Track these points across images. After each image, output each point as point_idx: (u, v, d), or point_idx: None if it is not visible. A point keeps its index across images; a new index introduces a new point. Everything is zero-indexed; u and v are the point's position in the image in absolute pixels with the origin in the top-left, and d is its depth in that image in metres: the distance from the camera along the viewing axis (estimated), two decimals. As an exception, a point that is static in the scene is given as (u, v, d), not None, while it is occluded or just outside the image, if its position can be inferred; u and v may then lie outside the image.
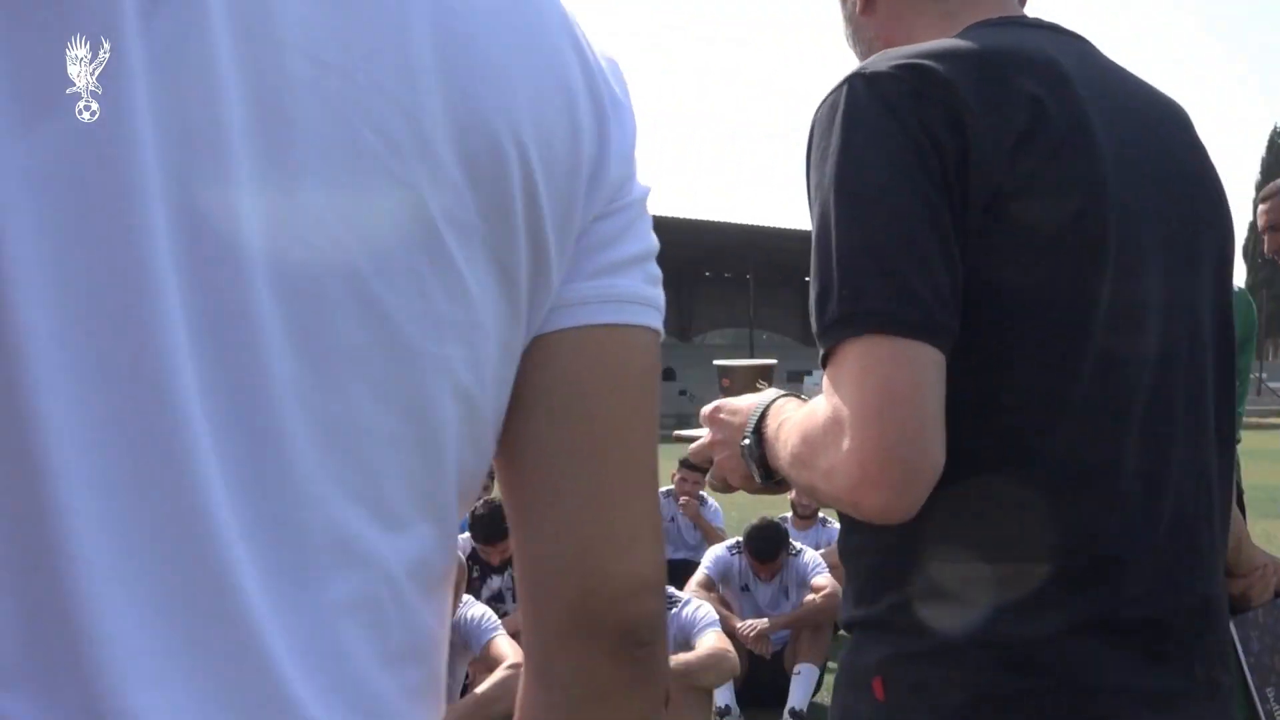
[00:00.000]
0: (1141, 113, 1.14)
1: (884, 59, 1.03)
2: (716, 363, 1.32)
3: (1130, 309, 1.05)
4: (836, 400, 0.97)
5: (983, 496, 1.01)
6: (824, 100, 1.05)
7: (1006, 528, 1.01)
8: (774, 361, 1.32)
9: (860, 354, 0.96)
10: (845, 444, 0.95)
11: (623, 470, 0.71)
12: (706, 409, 1.21)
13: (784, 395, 1.15)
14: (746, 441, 1.12)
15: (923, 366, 0.96)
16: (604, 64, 0.74)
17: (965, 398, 0.99)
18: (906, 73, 1.01)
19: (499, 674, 3.48)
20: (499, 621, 3.76)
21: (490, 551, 5.24)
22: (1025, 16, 1.16)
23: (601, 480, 0.70)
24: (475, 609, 3.73)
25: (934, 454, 0.96)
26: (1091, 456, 1.02)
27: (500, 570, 5.39)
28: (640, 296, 0.73)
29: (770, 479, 1.10)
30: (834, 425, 0.97)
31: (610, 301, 0.71)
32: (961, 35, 1.09)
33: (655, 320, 0.74)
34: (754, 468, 1.12)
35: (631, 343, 0.72)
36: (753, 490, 1.15)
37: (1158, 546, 1.05)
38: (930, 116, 0.99)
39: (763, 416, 1.12)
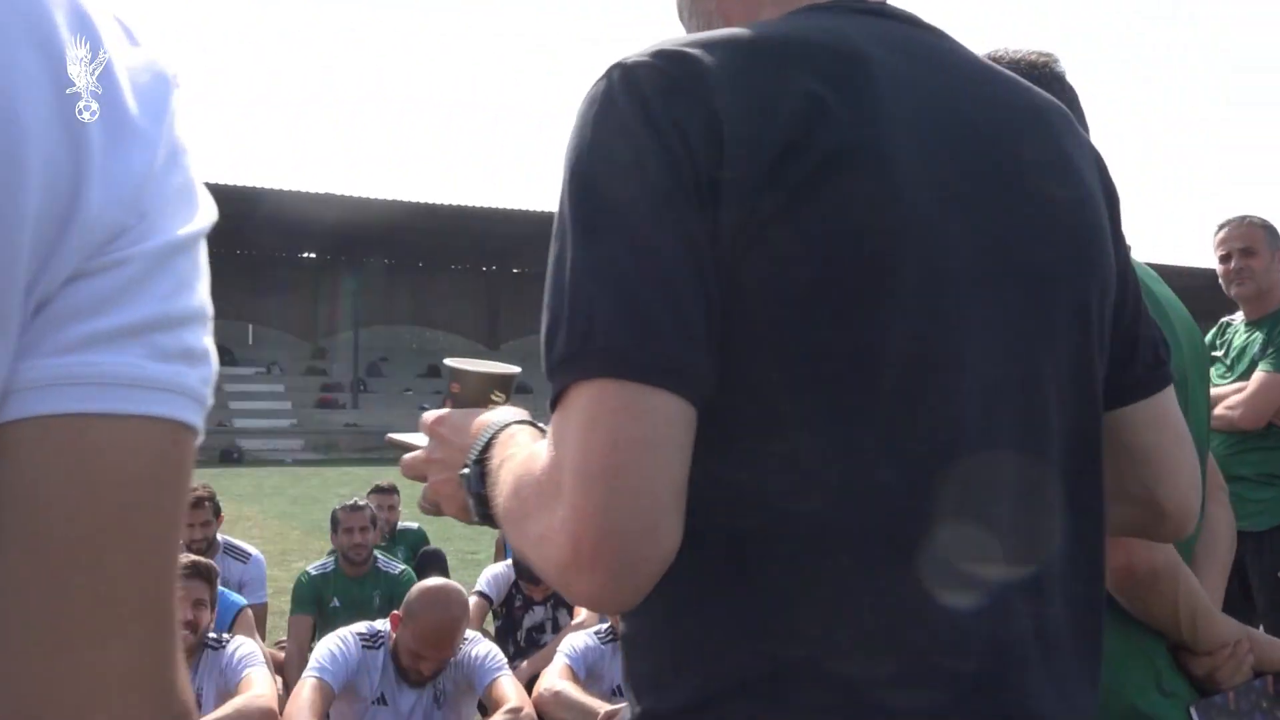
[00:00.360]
0: (992, 123, 0.94)
1: (652, 45, 0.87)
2: (446, 362, 1.11)
3: (932, 361, 0.84)
4: (558, 455, 0.79)
5: (733, 591, 0.83)
6: (586, 93, 0.88)
7: (769, 634, 0.82)
8: (515, 370, 1.11)
9: (589, 401, 0.78)
10: (559, 511, 0.77)
11: (93, 606, 0.54)
12: (429, 416, 1.03)
13: (520, 421, 0.96)
14: (466, 471, 0.94)
15: (663, 421, 0.77)
16: (124, 73, 0.58)
17: (711, 467, 0.81)
18: (668, 64, 0.83)
19: (496, 718, 3.35)
20: (504, 661, 3.62)
21: (533, 589, 5.13)
22: (869, 3, 0.97)
23: (59, 619, 0.54)
24: (480, 647, 3.59)
25: (665, 534, 0.77)
26: (876, 547, 0.82)
27: (543, 603, 5.28)
28: (140, 378, 0.56)
29: (490, 521, 0.92)
30: (550, 485, 0.79)
31: (81, 384, 0.55)
32: (769, 21, 0.92)
33: (169, 408, 0.57)
34: (472, 503, 0.94)
35: (120, 439, 0.55)
36: (470, 523, 0.97)
37: (969, 657, 0.84)
38: (686, 117, 0.81)
39: (489, 444, 0.93)
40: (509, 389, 1.08)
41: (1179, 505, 1.09)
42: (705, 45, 0.85)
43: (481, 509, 0.92)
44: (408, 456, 1.05)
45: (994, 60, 1.58)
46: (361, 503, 5.62)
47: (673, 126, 0.81)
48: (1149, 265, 1.68)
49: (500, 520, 0.88)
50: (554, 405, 0.81)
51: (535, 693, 3.55)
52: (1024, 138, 0.95)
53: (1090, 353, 0.97)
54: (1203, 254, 3.97)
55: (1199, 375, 1.62)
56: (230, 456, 26.44)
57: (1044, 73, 1.57)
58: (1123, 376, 1.05)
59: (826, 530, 0.82)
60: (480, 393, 1.07)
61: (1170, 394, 1.09)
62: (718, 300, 0.81)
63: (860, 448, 0.82)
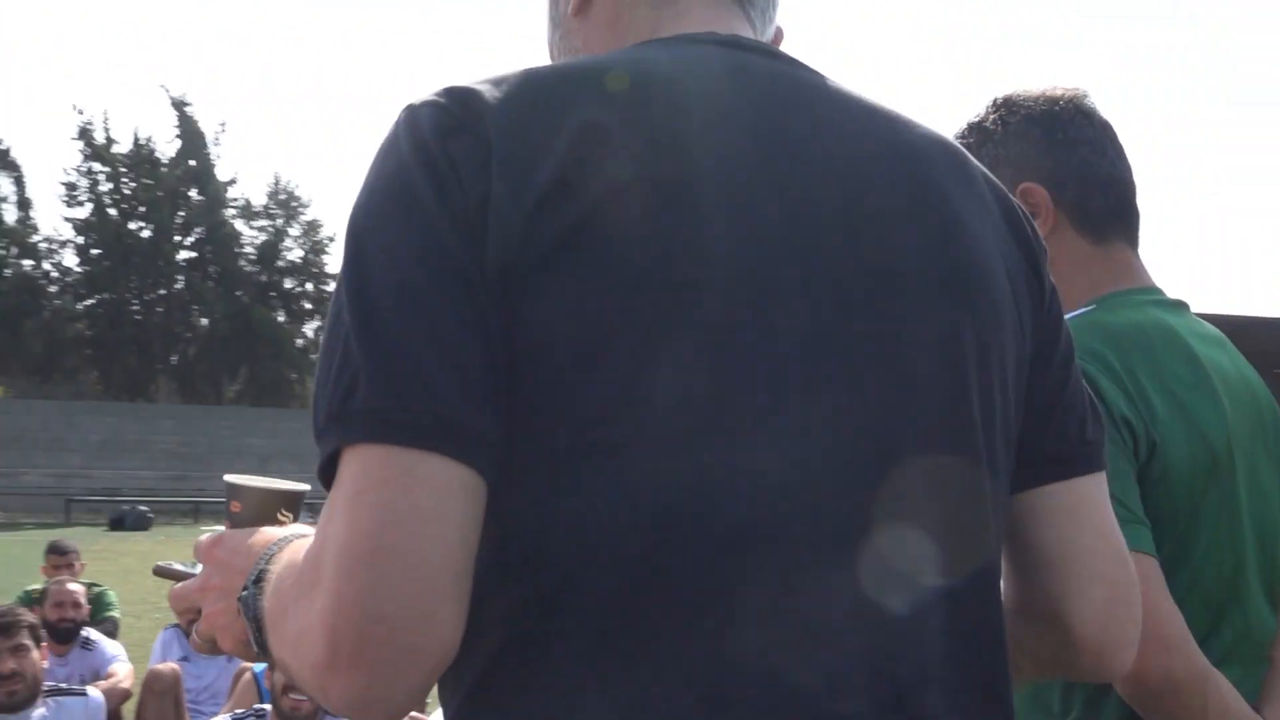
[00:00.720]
0: (845, 161, 0.82)
1: (443, 85, 0.80)
2: (227, 478, 0.99)
3: (734, 427, 0.73)
4: (322, 537, 0.70)
5: (511, 699, 0.73)
6: None
7: None
8: (304, 487, 0.99)
9: (355, 471, 0.69)
10: (318, 601, 0.68)
11: None
12: (204, 539, 0.91)
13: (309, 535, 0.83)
14: (245, 593, 0.81)
15: (438, 491, 0.68)
16: None
17: (486, 547, 0.71)
18: (451, 102, 0.77)
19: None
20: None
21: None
22: (720, 34, 0.88)
23: None
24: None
25: (442, 624, 0.67)
26: (671, 655, 0.71)
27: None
28: None
29: (267, 651, 0.79)
30: (310, 573, 0.70)
31: None
32: (589, 55, 0.86)
33: None
34: (251, 630, 0.80)
35: None
36: (252, 658, 0.84)
37: None
38: (462, 155, 0.74)
39: (273, 560, 0.81)
40: (297, 507, 0.97)
41: (1092, 627, 0.90)
42: (495, 81, 0.79)
43: (260, 634, 0.79)
44: (178, 586, 0.92)
45: (1009, 102, 1.45)
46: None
47: (449, 166, 0.74)
48: (1203, 315, 1.48)
49: (266, 631, 0.78)
50: (322, 476, 0.73)
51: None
52: (884, 178, 0.83)
53: (969, 416, 0.82)
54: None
55: (1264, 454, 1.40)
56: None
57: (1066, 108, 1.43)
58: (1030, 451, 0.89)
59: (606, 634, 0.71)
60: (264, 512, 0.95)
61: (1097, 483, 0.92)
62: (501, 353, 0.72)
63: (642, 524, 0.71)
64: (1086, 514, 0.91)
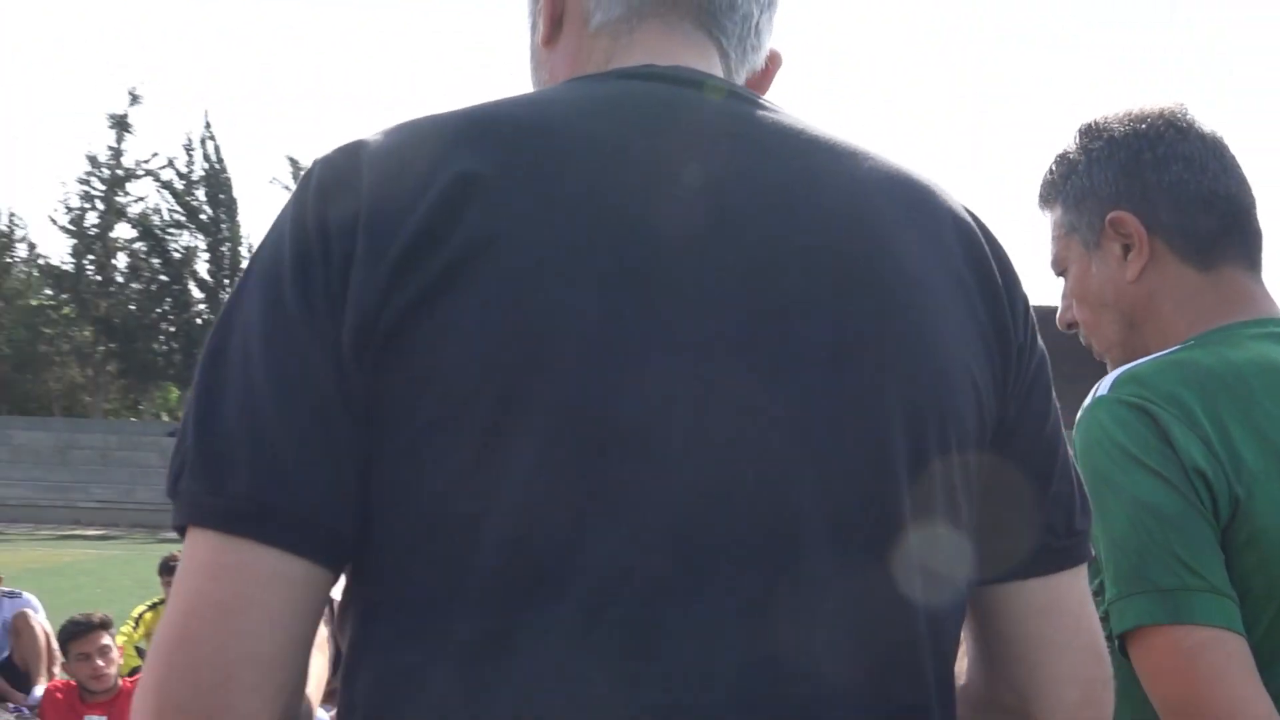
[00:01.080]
0: (775, 208, 0.75)
1: (348, 138, 0.78)
2: None
3: (600, 510, 0.68)
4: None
5: None
6: None
7: None
8: None
9: (184, 553, 0.69)
10: (139, 689, 0.68)
11: None
12: None
13: None
14: None
15: (248, 580, 0.66)
16: None
17: (351, 632, 0.71)
18: (340, 156, 0.75)
19: None
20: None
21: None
22: (658, 66, 0.82)
23: None
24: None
25: (245, 719, 0.66)
26: None
27: None
28: None
29: None
30: (149, 654, 0.70)
31: None
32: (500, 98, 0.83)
33: None
34: None
35: None
36: None
37: None
38: (335, 218, 0.71)
39: None
40: None
41: None
42: (387, 130, 0.76)
43: None
44: None
45: (1094, 128, 1.32)
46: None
47: (320, 233, 0.71)
48: None
49: None
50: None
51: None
52: (807, 222, 0.75)
53: (892, 490, 0.73)
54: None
55: None
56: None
57: (1155, 125, 1.28)
58: (1009, 542, 0.80)
59: (463, 709, 0.68)
60: None
61: (1078, 576, 0.83)
62: (351, 433, 0.69)
63: (496, 600, 0.68)
64: (1066, 609, 0.82)
